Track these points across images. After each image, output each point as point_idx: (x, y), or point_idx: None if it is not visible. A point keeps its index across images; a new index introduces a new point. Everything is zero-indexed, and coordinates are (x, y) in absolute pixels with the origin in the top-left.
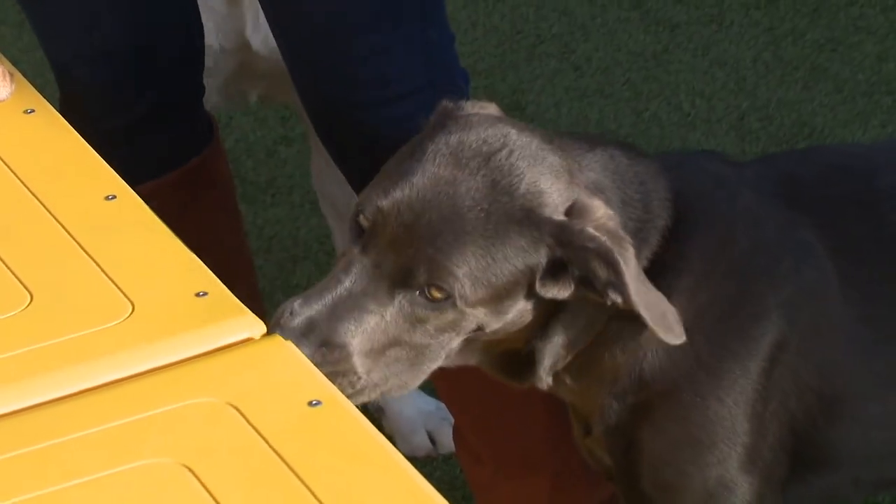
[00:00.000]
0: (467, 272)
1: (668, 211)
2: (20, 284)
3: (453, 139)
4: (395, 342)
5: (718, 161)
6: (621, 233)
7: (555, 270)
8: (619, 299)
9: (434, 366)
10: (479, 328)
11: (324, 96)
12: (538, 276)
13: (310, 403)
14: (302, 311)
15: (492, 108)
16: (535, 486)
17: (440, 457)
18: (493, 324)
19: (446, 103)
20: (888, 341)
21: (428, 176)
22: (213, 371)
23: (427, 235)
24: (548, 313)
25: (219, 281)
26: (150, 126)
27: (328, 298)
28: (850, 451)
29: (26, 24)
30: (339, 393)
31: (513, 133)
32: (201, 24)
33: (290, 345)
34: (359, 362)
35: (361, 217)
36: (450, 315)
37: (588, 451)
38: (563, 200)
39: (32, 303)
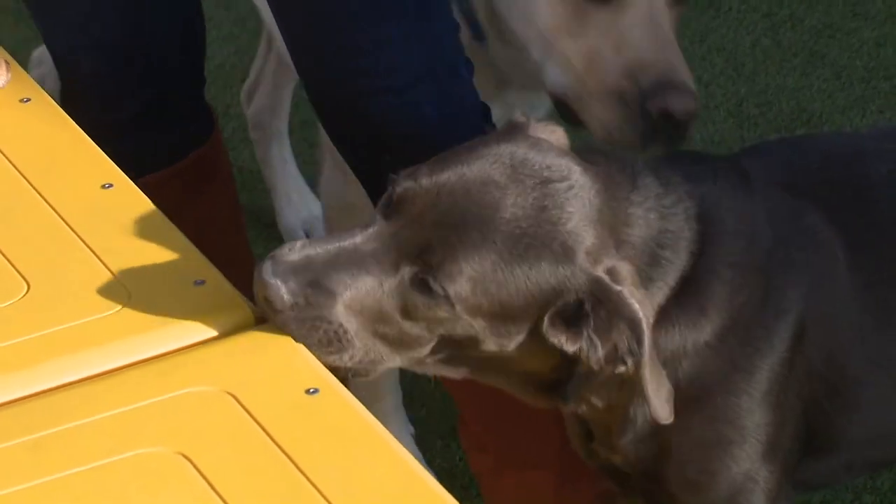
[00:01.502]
0: (477, 278)
1: (696, 226)
2: (17, 273)
3: (519, 153)
4: (384, 318)
5: (727, 163)
6: (648, 304)
7: (569, 319)
8: (630, 369)
9: (414, 356)
10: (474, 342)
11: (327, 86)
12: (549, 316)
13: (307, 391)
14: (303, 250)
15: (560, 134)
16: (540, 479)
17: (439, 444)
18: (490, 344)
19: (519, 117)
20: (885, 325)
21: (480, 174)
22: (210, 360)
23: (457, 225)
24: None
25: (216, 269)
26: (152, 118)
27: (333, 246)
28: (849, 435)
29: (24, 13)
30: (337, 381)
31: (577, 171)
32: (202, 15)
33: (285, 334)
34: (343, 316)
35: (392, 188)
36: (441, 312)
37: (588, 454)
38: (600, 254)
39: (29, 292)
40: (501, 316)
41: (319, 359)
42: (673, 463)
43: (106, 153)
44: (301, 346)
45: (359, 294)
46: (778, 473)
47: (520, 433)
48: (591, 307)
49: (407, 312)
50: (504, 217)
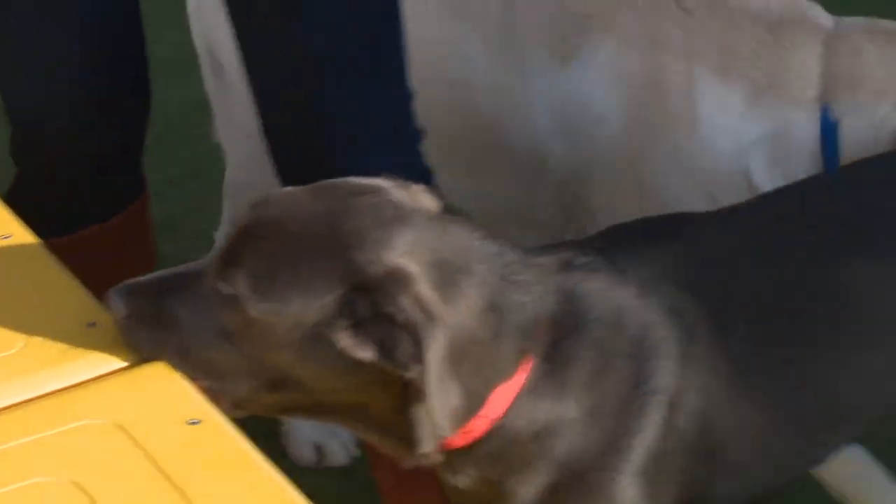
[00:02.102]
0: (256, 274)
1: (557, 309)
2: None
3: (339, 181)
4: (206, 336)
5: (596, 250)
6: (437, 311)
7: (357, 324)
8: (417, 375)
9: (248, 385)
10: (281, 360)
11: (290, 140)
12: (330, 319)
13: (189, 422)
14: (152, 275)
15: (421, 193)
16: (435, 498)
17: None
18: (293, 360)
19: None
20: (747, 393)
21: (290, 192)
22: (100, 395)
23: (247, 231)
24: (403, 388)
25: (106, 312)
26: (108, 170)
27: (177, 269)
28: (721, 498)
29: None
30: (217, 411)
31: (393, 193)
32: (148, 70)
33: (171, 369)
34: (175, 325)
35: None
36: (237, 315)
37: None
38: (387, 259)
39: None
40: (288, 315)
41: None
42: None
43: (59, 207)
44: (184, 381)
45: (183, 302)
46: None
47: None
48: (367, 312)
49: (218, 324)
50: (286, 217)
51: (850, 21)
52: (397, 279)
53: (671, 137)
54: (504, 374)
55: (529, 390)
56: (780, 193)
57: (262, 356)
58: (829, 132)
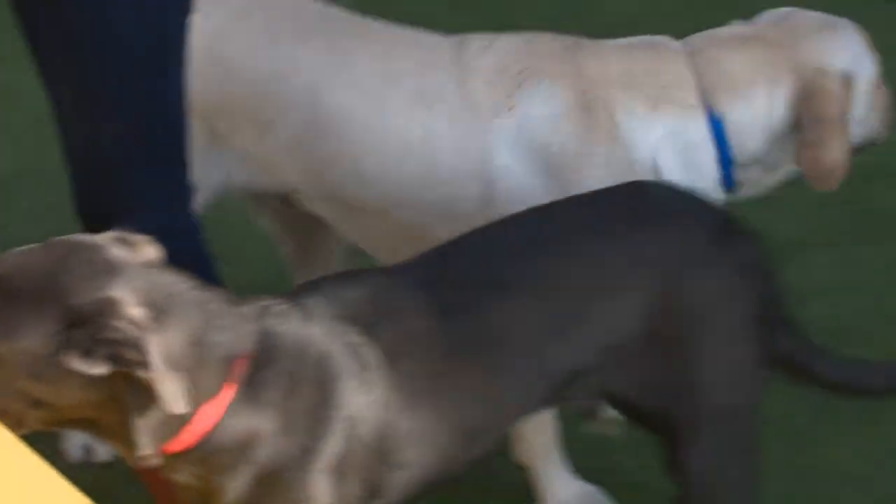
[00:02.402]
0: None
1: (255, 346)
2: None
3: (70, 238)
4: None
5: (292, 300)
6: (146, 323)
7: (85, 351)
8: (145, 374)
9: (24, 413)
10: (33, 388)
11: (89, 195)
12: (58, 351)
13: None
14: None
15: (144, 246)
16: None
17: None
18: (38, 386)
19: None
20: (411, 406)
21: (26, 250)
22: None
23: None
24: (119, 390)
25: None
26: None
27: None
28: (393, 488)
29: None
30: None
31: (111, 249)
32: None
33: None
34: None
35: None
36: None
37: None
38: (98, 299)
39: None
40: (19, 351)
41: None
42: None
43: None
44: None
45: None
46: None
47: None
48: (91, 338)
49: None
50: (19, 272)
51: (693, 38)
52: (106, 309)
53: (599, 146)
54: (207, 397)
55: (232, 410)
56: (452, 245)
57: (13, 384)
58: (716, 129)
